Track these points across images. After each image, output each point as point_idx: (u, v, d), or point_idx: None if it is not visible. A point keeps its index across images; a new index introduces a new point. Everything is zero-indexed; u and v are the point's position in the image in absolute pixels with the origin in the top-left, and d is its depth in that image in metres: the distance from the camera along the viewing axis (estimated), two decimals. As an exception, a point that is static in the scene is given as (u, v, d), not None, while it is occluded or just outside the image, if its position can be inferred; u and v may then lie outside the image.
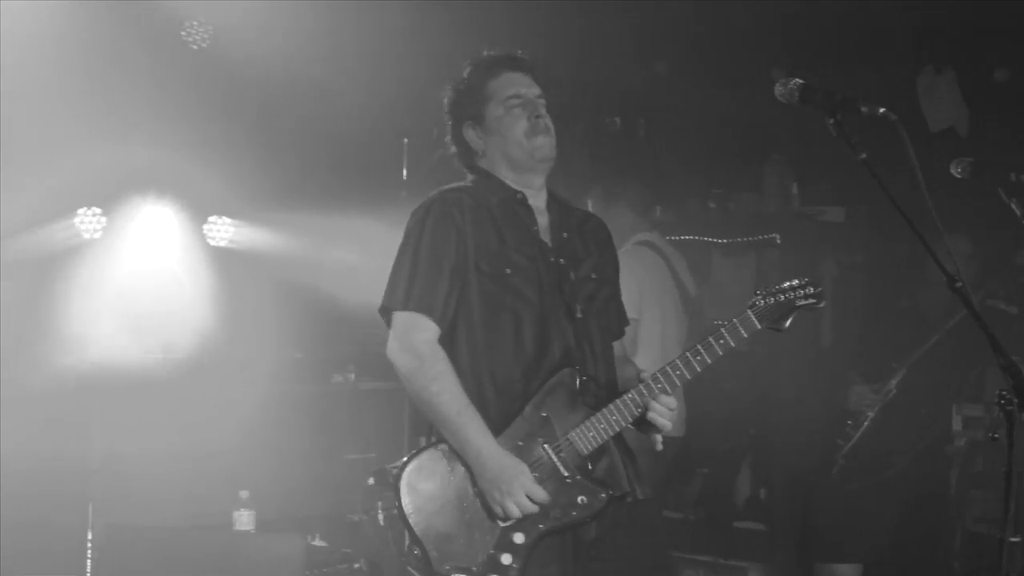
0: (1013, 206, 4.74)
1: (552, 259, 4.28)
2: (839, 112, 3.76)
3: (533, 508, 4.00)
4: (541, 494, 4.00)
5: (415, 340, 4.12)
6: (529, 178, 4.35)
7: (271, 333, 8.08)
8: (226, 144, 8.01)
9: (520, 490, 3.98)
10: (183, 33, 7.98)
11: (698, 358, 4.12)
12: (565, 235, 4.37)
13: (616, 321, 4.50)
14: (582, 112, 8.79)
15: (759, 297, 4.21)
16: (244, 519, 6.62)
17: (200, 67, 7.94)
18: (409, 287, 4.15)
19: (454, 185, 4.35)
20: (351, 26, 7.97)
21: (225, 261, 8.38)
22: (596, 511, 4.07)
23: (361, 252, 8.09)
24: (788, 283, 4.25)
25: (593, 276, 4.37)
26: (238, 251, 8.50)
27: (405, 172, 8.92)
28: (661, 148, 9.39)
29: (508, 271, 4.19)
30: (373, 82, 8.08)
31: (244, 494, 6.66)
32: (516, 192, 4.32)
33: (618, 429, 4.11)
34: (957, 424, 7.17)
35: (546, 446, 4.08)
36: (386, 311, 4.21)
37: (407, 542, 4.19)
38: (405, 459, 4.17)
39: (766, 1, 7.73)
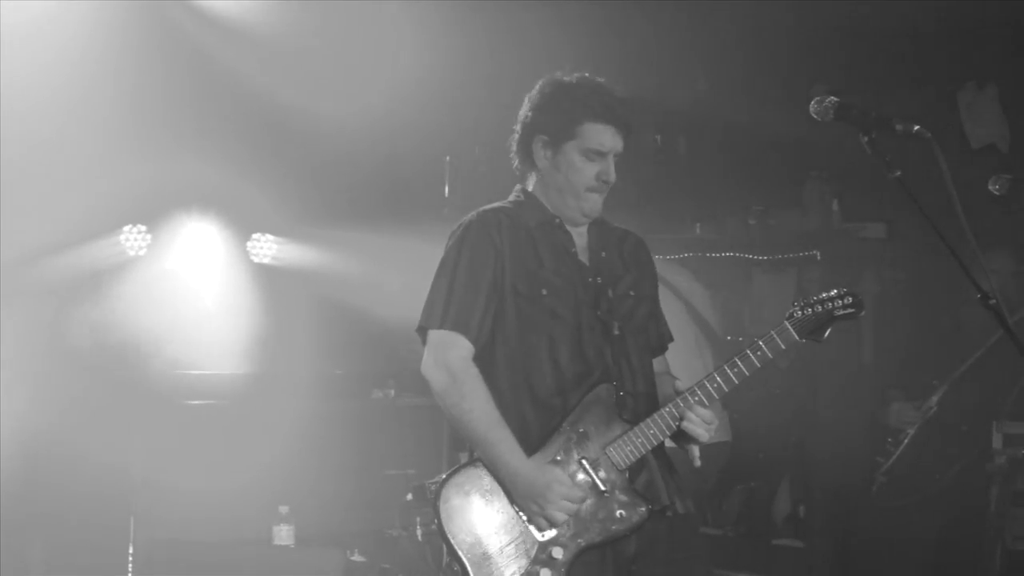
0: None
1: (590, 279, 4.28)
2: (874, 130, 3.76)
3: (573, 508, 4.01)
4: (578, 493, 4.02)
5: (449, 357, 4.14)
6: (569, 220, 4.36)
7: (312, 349, 8.14)
8: (270, 162, 8.09)
9: (556, 496, 4.00)
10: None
11: (735, 370, 4.11)
12: (604, 254, 4.37)
13: (656, 338, 4.49)
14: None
15: (797, 308, 4.18)
16: (283, 534, 6.67)
17: (247, 88, 8.01)
18: (446, 306, 4.17)
19: (493, 206, 4.35)
20: (394, 45, 8.03)
21: (268, 278, 8.45)
22: (635, 525, 4.07)
23: (403, 269, 8.10)
24: (826, 294, 4.20)
25: (631, 293, 4.36)
26: (281, 268, 8.57)
27: (447, 189, 8.96)
28: (702, 165, 9.40)
29: (544, 292, 4.20)
30: (416, 100, 8.13)
31: (284, 509, 6.70)
32: (554, 217, 4.32)
33: (655, 443, 4.11)
34: (997, 442, 7.11)
35: (584, 461, 4.08)
36: (423, 330, 4.24)
37: (446, 558, 4.21)
38: (444, 475, 4.19)
39: (808, 18, 7.74)
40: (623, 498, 4.08)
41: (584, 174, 4.25)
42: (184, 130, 7.74)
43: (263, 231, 8.60)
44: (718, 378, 4.13)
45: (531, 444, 4.09)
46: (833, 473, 7.52)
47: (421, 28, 7.89)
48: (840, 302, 4.18)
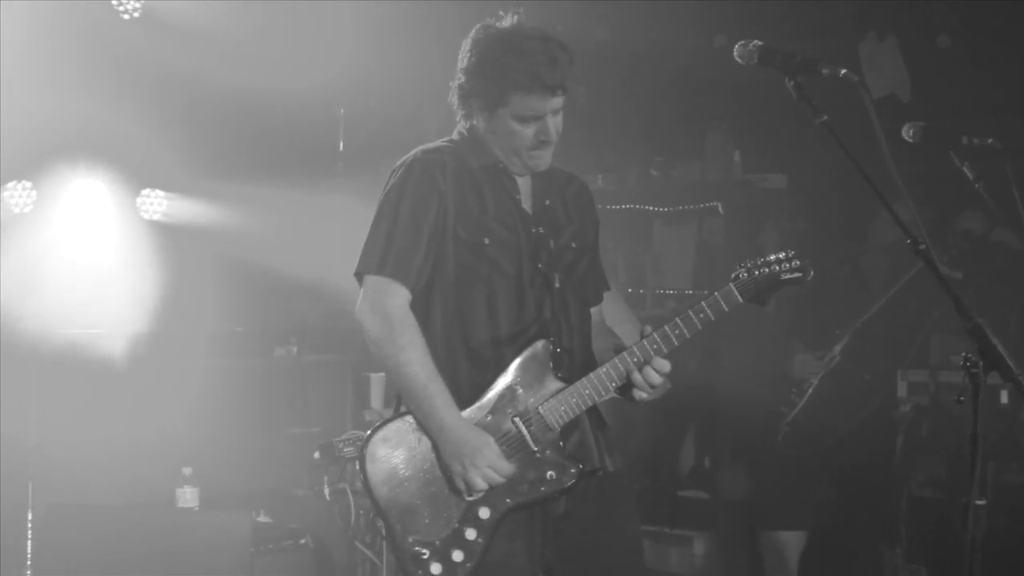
0: (965, 169, 4.74)
1: (533, 229, 4.17)
2: (800, 74, 3.71)
3: (497, 480, 3.94)
4: (506, 467, 3.95)
5: (387, 305, 4.02)
6: (515, 170, 4.22)
7: (210, 307, 7.95)
8: (159, 116, 7.88)
9: (483, 462, 3.92)
10: (114, 2, 7.82)
11: (676, 332, 4.02)
12: (548, 202, 4.25)
13: (593, 289, 4.41)
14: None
15: (742, 270, 4.08)
16: (187, 496, 6.54)
17: (132, 37, 7.79)
18: (385, 252, 4.06)
19: (435, 145, 4.22)
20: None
21: (159, 235, 8.23)
22: (566, 487, 4.01)
23: (297, 223, 8.00)
24: (773, 256, 4.10)
25: (573, 245, 4.26)
26: (172, 224, 8.35)
27: (342, 144, 8.81)
28: (602, 116, 9.35)
29: (486, 241, 4.09)
30: (310, 52, 7.98)
31: (187, 471, 6.57)
32: (499, 161, 4.18)
33: (591, 403, 4.03)
34: (902, 390, 7.22)
35: (516, 419, 4.01)
36: (360, 275, 4.11)
37: (371, 514, 4.11)
38: (370, 431, 4.09)
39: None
40: (554, 459, 4.01)
41: (522, 137, 4.09)
42: (70, 82, 7.49)
43: (153, 186, 8.36)
44: (658, 339, 4.04)
45: (463, 397, 4.02)
46: (737, 424, 7.53)
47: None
48: (787, 265, 4.09)
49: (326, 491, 6.60)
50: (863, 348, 6.98)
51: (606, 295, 4.54)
